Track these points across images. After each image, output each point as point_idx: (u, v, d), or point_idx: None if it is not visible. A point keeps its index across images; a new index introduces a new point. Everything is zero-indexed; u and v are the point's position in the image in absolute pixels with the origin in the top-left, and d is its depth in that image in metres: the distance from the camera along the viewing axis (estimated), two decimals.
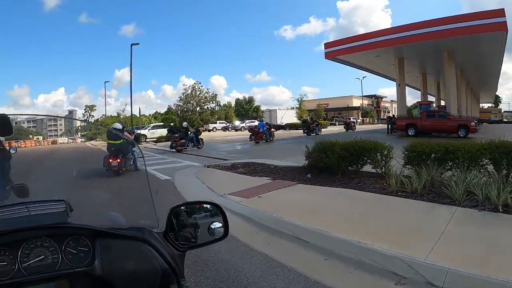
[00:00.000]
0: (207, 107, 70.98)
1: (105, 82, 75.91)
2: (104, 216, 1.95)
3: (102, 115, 71.86)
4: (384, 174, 7.94)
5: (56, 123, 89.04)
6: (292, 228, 4.95)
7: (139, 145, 14.88)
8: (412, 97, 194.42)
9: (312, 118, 39.65)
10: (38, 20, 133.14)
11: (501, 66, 33.85)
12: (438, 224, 4.77)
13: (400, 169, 7.73)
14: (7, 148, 4.40)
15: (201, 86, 69.48)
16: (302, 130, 33.58)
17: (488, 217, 5.08)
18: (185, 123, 24.99)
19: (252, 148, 21.24)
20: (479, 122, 40.68)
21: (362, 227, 4.85)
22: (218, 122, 62.06)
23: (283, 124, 51.78)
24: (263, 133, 25.18)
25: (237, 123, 61.53)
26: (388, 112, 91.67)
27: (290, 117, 55.16)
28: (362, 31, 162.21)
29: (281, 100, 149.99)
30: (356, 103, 78.74)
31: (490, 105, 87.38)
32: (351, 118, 55.71)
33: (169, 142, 21.07)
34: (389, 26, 26.33)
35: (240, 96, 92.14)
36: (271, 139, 25.80)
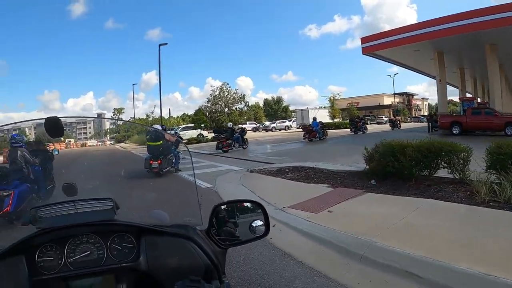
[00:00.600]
0: (236, 108, 70.61)
1: (133, 84, 77.15)
2: (148, 214, 1.99)
3: (131, 117, 72.33)
4: (463, 180, 6.94)
5: (85, 126, 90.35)
6: (394, 257, 3.86)
7: (187, 146, 14.60)
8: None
9: (359, 117, 39.34)
10: (66, 27, 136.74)
11: None
12: None
13: (486, 174, 6.58)
14: (50, 150, 4.79)
15: (229, 87, 69.20)
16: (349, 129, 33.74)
17: None
18: (231, 123, 25.02)
19: (292, 150, 20.13)
20: None
21: (477, 252, 3.80)
22: (248, 122, 61.18)
23: None
24: (317, 131, 25.75)
25: (267, 123, 60.73)
26: (419, 110, 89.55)
27: (323, 116, 53.17)
28: (387, 27, 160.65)
29: (307, 100, 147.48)
30: (387, 101, 76.63)
31: None
32: (396, 116, 54.44)
33: (200, 144, 20.76)
34: (419, 21, 24.75)
35: (267, 97, 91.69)
36: (324, 137, 26.37)
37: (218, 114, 67.79)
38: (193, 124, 49.16)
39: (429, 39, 24.38)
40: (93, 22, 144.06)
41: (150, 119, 59.50)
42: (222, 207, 1.65)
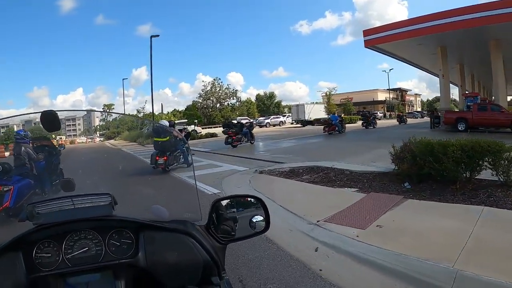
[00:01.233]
0: (228, 103, 69.73)
1: (123, 79, 75.38)
2: (147, 209, 1.94)
3: (120, 114, 70.96)
4: (507, 183, 6.25)
5: (74, 122, 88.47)
6: None
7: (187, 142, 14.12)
8: (431, 91, 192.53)
9: (369, 112, 40.29)
10: (55, 22, 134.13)
11: None
12: None
13: None
14: (56, 145, 4.79)
15: (221, 82, 68.27)
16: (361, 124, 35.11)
17: None
18: (238, 117, 25.65)
19: (294, 147, 18.76)
20: None
21: None
22: (240, 118, 60.22)
23: (311, 119, 49.51)
24: (336, 125, 27.05)
25: (261, 119, 59.83)
26: (413, 105, 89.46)
27: (318, 112, 52.29)
28: (378, 24, 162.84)
29: (298, 96, 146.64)
30: (381, 96, 76.11)
31: None
32: (402, 112, 55.60)
33: (195, 141, 20.06)
34: (419, 15, 24.00)
35: (257, 93, 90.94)
36: (343, 130, 27.58)
37: (210, 109, 66.92)
38: (186, 120, 47.95)
39: (434, 33, 23.46)
40: (83, 17, 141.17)
41: (141, 114, 58.16)
42: (222, 202, 1.63)
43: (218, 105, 68.48)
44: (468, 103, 26.05)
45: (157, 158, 10.13)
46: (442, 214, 5.22)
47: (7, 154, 6.09)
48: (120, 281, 1.36)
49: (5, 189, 5.52)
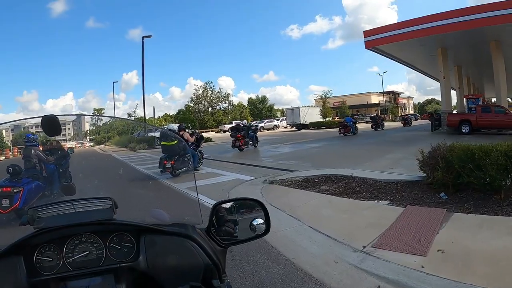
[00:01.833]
0: (220, 107, 68.98)
1: (113, 82, 74.52)
2: (148, 212, 1.96)
3: (111, 118, 69.88)
4: None
5: (64, 127, 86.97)
6: None
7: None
8: (421, 94, 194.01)
9: (378, 115, 42.01)
10: (46, 25, 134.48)
11: None
12: None
13: None
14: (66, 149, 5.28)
15: (213, 86, 67.53)
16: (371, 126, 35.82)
17: None
18: (245, 120, 25.46)
19: (298, 153, 17.77)
20: None
21: None
22: (234, 122, 59.37)
23: (307, 123, 48.85)
24: (350, 126, 28.16)
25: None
26: (405, 108, 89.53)
27: (314, 115, 51.77)
28: (368, 27, 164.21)
29: (288, 99, 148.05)
30: (374, 99, 75.79)
31: None
32: (407, 114, 55.67)
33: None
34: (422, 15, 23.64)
35: (248, 97, 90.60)
36: (356, 132, 28.71)
37: (202, 113, 66.10)
38: (178, 124, 46.86)
39: (437, 33, 22.94)
40: (74, 21, 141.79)
41: (132, 118, 57.01)
42: (222, 205, 1.61)
43: (210, 109, 67.64)
44: (470, 105, 25.55)
45: (165, 162, 10.34)
46: (503, 230, 4.48)
47: (2, 158, 6.69)
48: (121, 285, 1.32)
49: (15, 190, 5.80)
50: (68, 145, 6.50)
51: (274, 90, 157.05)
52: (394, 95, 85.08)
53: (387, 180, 7.75)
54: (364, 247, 4.28)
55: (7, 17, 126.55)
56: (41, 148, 6.24)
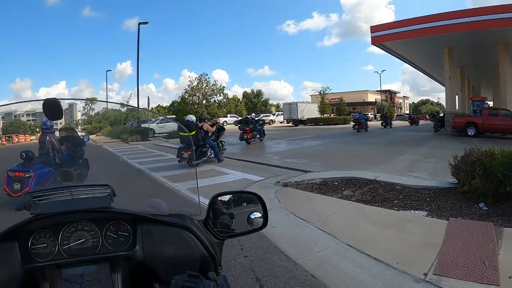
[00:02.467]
0: (214, 100, 68.36)
1: (106, 71, 73.30)
2: (146, 202, 1.90)
3: (103, 108, 68.78)
4: None
5: None
6: None
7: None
8: (414, 94, 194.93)
9: (387, 113, 45.36)
10: (41, 13, 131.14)
11: None
12: None
13: None
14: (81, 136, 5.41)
15: (208, 78, 66.84)
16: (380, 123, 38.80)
17: None
18: (253, 114, 25.17)
19: (303, 150, 17.08)
20: None
21: None
22: (228, 115, 58.56)
23: (304, 118, 48.23)
24: (363, 123, 29.61)
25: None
26: (401, 108, 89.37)
27: (311, 111, 51.10)
28: (365, 26, 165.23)
29: (282, 95, 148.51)
30: (371, 98, 75.41)
31: None
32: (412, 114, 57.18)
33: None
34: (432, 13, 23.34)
35: (241, 90, 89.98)
36: (368, 129, 30.07)
37: (196, 106, 65.44)
38: (174, 116, 45.93)
39: (444, 33, 22.65)
40: (69, 9, 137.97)
41: (126, 109, 56.12)
42: (220, 198, 1.58)
43: (204, 101, 66.95)
44: (475, 108, 25.22)
45: (183, 152, 10.55)
46: None
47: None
48: (116, 274, 1.32)
49: (26, 175, 5.98)
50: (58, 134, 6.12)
51: (268, 85, 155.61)
52: (390, 94, 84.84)
53: (417, 186, 7.14)
54: (425, 274, 3.58)
55: (1, 6, 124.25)
56: (57, 134, 6.19)
